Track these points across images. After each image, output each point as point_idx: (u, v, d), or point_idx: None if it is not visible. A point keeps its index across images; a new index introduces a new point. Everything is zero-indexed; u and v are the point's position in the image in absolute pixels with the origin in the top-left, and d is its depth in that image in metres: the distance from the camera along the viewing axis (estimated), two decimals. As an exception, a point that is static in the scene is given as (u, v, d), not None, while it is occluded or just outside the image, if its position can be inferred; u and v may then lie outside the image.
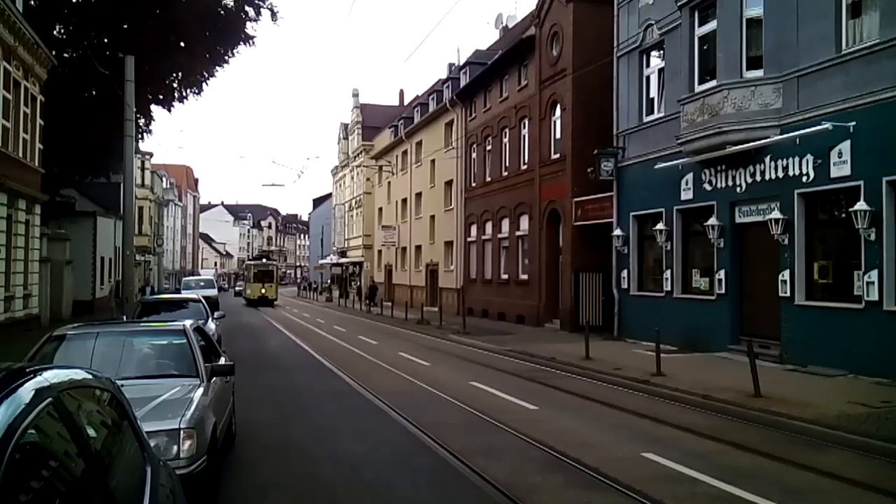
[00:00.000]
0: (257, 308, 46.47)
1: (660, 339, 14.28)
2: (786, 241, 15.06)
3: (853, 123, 13.46)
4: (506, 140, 31.12)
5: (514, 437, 9.27)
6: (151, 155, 54.43)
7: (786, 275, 15.05)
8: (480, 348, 20.60)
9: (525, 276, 28.71)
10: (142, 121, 25.98)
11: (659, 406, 11.53)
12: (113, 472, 2.98)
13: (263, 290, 51.08)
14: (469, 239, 35.32)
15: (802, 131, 14.41)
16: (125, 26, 22.29)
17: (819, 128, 13.91)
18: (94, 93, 23.19)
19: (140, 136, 26.69)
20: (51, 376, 2.83)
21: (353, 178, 65.27)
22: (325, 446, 8.87)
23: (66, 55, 23.43)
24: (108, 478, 2.82)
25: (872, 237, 12.97)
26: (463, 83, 37.29)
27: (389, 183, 51.92)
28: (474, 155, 35.23)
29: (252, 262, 58.94)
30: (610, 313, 22.10)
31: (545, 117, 26.90)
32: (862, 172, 13.25)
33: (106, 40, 23.10)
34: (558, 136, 26.11)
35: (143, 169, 51.70)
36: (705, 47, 17.56)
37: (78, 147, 25.78)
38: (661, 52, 20.09)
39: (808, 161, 14.52)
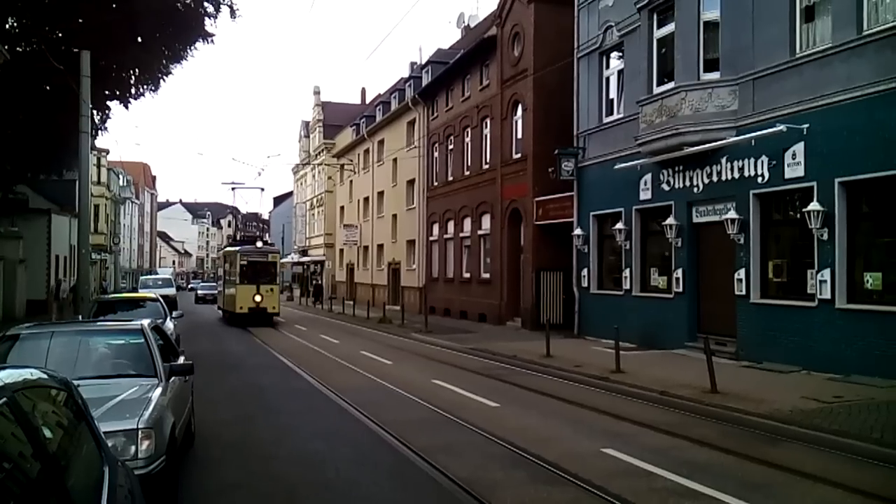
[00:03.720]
0: (245, 329, 28.03)
1: (619, 337, 14.47)
2: (741, 241, 15.34)
3: (807, 125, 13.76)
4: (468, 139, 31.21)
5: (476, 434, 9.32)
6: (108, 152, 53.43)
7: (741, 273, 15.34)
8: (442, 346, 20.63)
9: (487, 275, 28.82)
10: (98, 117, 25.49)
11: (618, 402, 11.68)
12: (70, 472, 2.95)
13: (259, 298, 29.69)
14: (431, 238, 35.34)
15: (758, 133, 14.69)
16: (80, 21, 21.85)
17: (774, 130, 14.20)
18: (48, 88, 22.67)
19: (96, 132, 26.14)
20: (4, 376, 2.80)
21: (314, 176, 64.86)
22: (286, 445, 8.82)
23: (19, 49, 22.89)
24: (64, 478, 2.79)
25: (825, 237, 13.29)
26: (425, 82, 37.27)
27: (351, 181, 51.70)
28: (436, 154, 35.25)
29: (238, 249, 31.60)
30: (570, 311, 22.29)
31: (507, 117, 27.03)
32: (815, 173, 13.56)
33: (61, 35, 22.61)
34: (520, 135, 26.27)
35: (98, 166, 50.79)
36: (663, 49, 17.81)
37: (32, 143, 25.21)
38: (621, 53, 20.32)
39: (763, 162, 14.81)
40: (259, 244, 32.74)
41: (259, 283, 30.01)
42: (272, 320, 30.42)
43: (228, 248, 35.80)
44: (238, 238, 36.60)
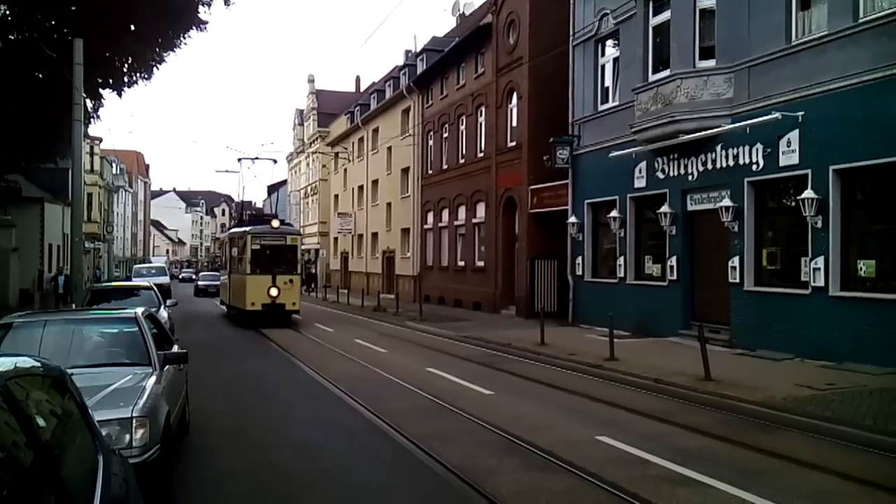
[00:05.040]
0: (258, 330, 22.41)
1: (613, 325, 14.48)
2: (736, 229, 15.36)
3: (801, 113, 13.76)
4: (462, 127, 31.14)
5: (471, 421, 9.33)
6: (101, 140, 53.15)
7: (735, 261, 15.36)
8: (437, 335, 20.65)
9: (481, 263, 28.82)
10: (91, 105, 25.33)
11: (612, 390, 11.71)
12: (64, 461, 2.93)
13: (275, 292, 23.61)
14: (426, 226, 35.31)
15: (753, 121, 14.68)
16: (73, 8, 21.68)
17: (769, 117, 14.19)
18: (41, 76, 22.52)
19: (89, 120, 25.98)
20: (-3, 364, 2.78)
21: (308, 164, 64.70)
22: (282, 434, 8.82)
23: (11, 37, 22.72)
24: (58, 467, 2.78)
25: (819, 224, 13.31)
26: (420, 70, 37.15)
27: (346, 170, 51.58)
28: (431, 142, 35.18)
29: (249, 230, 25.40)
30: (565, 299, 22.33)
31: (502, 105, 26.96)
32: (809, 161, 13.57)
33: (53, 22, 22.44)
34: (515, 123, 26.21)
35: (92, 154, 50.54)
36: (659, 37, 17.77)
37: (24, 131, 25.04)
38: (616, 41, 20.27)
39: (757, 150, 14.81)
40: (275, 223, 25.97)
41: (275, 272, 23.81)
42: (290, 319, 24.58)
43: (235, 229, 28.44)
44: (246, 217, 30.37)
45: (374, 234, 44.37)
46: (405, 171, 38.73)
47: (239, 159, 40.76)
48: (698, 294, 17.05)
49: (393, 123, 40.72)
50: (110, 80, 24.49)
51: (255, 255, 24.34)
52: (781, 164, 14.26)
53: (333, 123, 57.62)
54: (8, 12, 22.51)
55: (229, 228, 35.94)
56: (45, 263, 36.09)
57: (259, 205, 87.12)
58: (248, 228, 25.75)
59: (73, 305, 16.34)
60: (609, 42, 20.84)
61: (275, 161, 39.06)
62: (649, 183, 18.38)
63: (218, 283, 38.52)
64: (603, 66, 21.16)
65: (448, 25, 54.79)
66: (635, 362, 13.36)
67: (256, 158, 37.02)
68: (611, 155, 19.36)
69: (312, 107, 62.91)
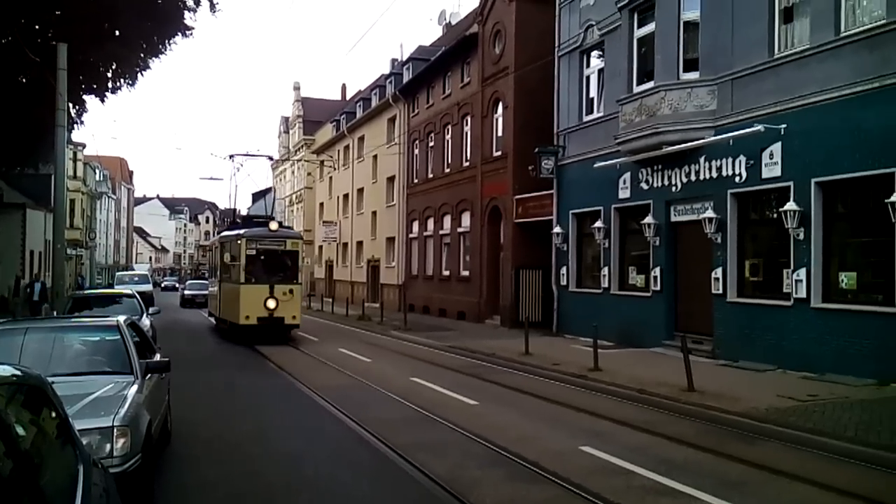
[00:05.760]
0: (253, 348, 19.76)
1: (597, 335, 14.51)
2: (719, 240, 15.46)
3: (784, 126, 13.89)
4: (448, 137, 31.19)
5: (455, 432, 9.31)
6: (84, 146, 52.81)
7: (718, 272, 15.45)
8: (421, 344, 20.61)
9: (466, 273, 28.83)
10: (74, 111, 25.18)
11: (596, 400, 11.73)
12: (43, 471, 2.90)
13: (273, 304, 20.79)
14: (411, 235, 35.29)
15: (736, 133, 14.80)
16: (58, 13, 21.57)
17: (752, 130, 14.31)
18: (24, 81, 22.37)
19: (72, 126, 25.82)
20: (-23, 373, 2.75)
21: (293, 172, 64.60)
22: (265, 443, 8.76)
23: (-7, 41, 22.56)
24: (38, 477, 2.75)
25: (801, 236, 13.42)
26: (406, 79, 37.21)
27: (331, 178, 51.48)
28: (417, 151, 35.21)
29: (244, 233, 22.09)
30: (549, 310, 22.36)
31: (487, 115, 27.05)
32: (792, 173, 13.69)
33: (37, 27, 22.32)
34: (500, 133, 26.30)
35: (75, 160, 50.20)
36: (643, 49, 17.90)
37: (7, 137, 24.86)
38: (601, 52, 20.39)
39: (740, 162, 14.92)
40: (273, 226, 22.54)
41: (273, 281, 20.99)
42: (290, 334, 21.87)
43: (227, 232, 25.36)
44: (238, 219, 27.22)
45: (359, 243, 44.29)
46: (390, 179, 38.72)
47: (231, 156, 38.10)
48: (681, 305, 17.13)
49: (379, 132, 40.72)
50: (94, 86, 24.35)
51: (251, 261, 21.47)
52: (764, 176, 14.38)
53: (319, 131, 57.57)
54: (-9, 17, 22.35)
55: (219, 232, 32.70)
56: (27, 270, 35.73)
57: (244, 212, 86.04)
58: (242, 231, 22.53)
59: (55, 313, 16.18)
60: (594, 53, 20.96)
61: (270, 158, 37.42)
62: (633, 194, 18.48)
63: (206, 292, 35.49)
64: (588, 77, 21.28)
65: (434, 35, 55.07)
66: (619, 373, 13.39)
67: (250, 155, 36.57)
68: (595, 165, 19.45)
69: (298, 114, 62.89)
